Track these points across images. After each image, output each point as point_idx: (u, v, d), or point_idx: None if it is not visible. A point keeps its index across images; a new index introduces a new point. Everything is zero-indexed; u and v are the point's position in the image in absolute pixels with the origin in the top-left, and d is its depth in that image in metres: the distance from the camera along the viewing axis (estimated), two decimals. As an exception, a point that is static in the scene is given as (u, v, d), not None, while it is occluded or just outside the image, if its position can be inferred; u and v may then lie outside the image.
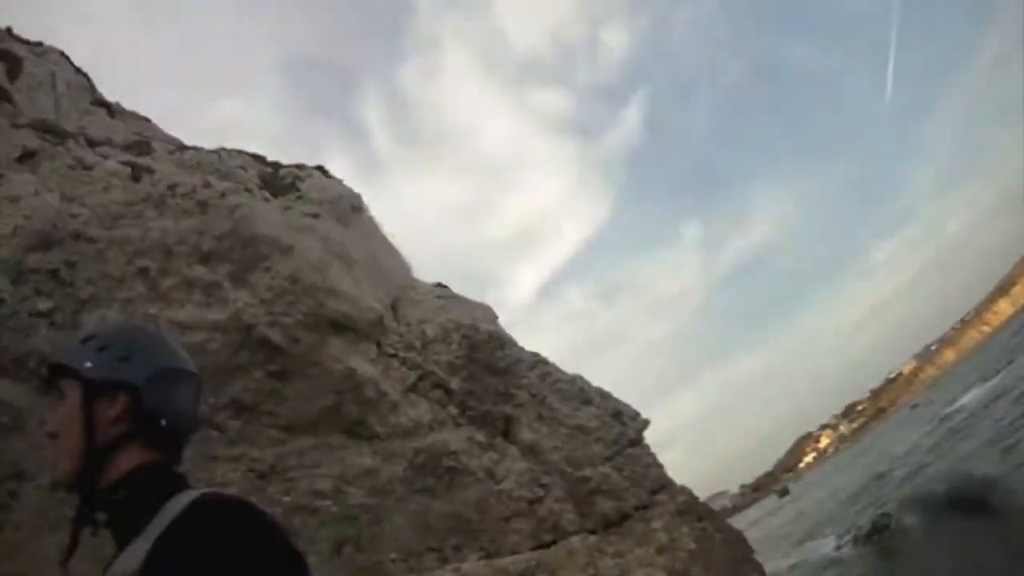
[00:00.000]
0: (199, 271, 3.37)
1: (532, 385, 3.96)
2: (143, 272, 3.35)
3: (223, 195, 3.75)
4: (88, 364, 1.00)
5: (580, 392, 4.24)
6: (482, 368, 3.84)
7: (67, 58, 4.82)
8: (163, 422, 1.00)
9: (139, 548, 0.85)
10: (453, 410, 3.69)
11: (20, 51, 4.36)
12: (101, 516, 0.95)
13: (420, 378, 3.73)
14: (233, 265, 3.43)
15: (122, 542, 0.90)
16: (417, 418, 3.56)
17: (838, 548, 11.47)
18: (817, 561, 11.67)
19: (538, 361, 4.22)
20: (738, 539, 3.99)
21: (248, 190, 4.03)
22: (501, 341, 4.01)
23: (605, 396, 4.36)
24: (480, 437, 3.63)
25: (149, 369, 1.01)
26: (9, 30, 4.56)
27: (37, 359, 2.99)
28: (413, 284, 4.42)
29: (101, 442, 0.97)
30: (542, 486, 3.57)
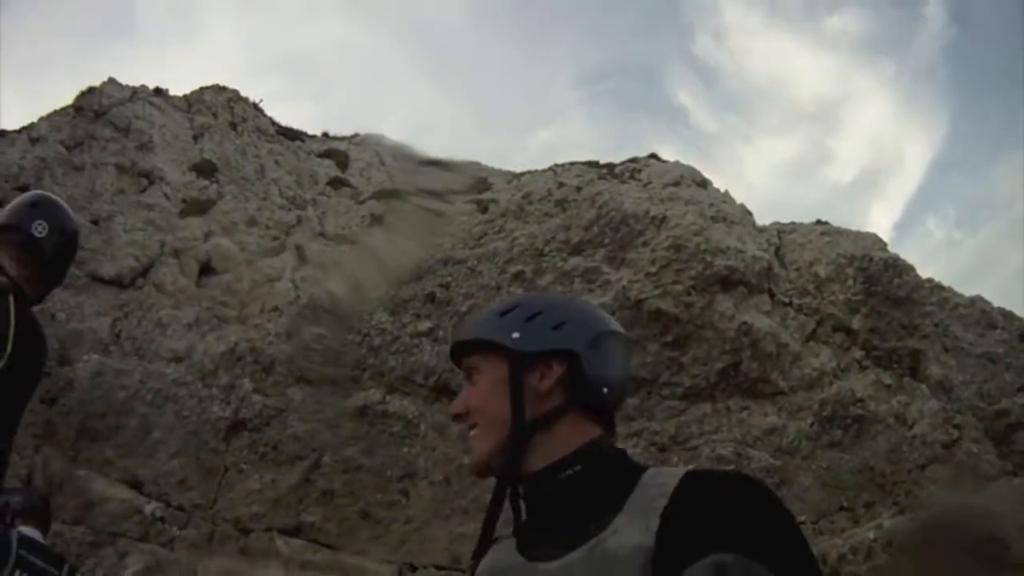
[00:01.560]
0: (574, 262, 3.57)
1: (934, 313, 3.72)
2: (518, 276, 3.58)
3: (579, 188, 3.95)
4: (516, 335, 0.93)
5: (982, 315, 3.92)
6: (883, 301, 3.62)
7: (385, 137, 5.56)
8: (604, 390, 0.93)
9: (631, 525, 0.77)
10: (857, 353, 3.53)
11: (342, 146, 5.26)
12: (532, 499, 0.89)
13: (819, 323, 3.62)
14: (607, 248, 3.60)
15: (564, 525, 0.83)
16: (820, 367, 3.43)
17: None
18: None
19: (935, 286, 3.95)
20: None
21: (602, 179, 4.21)
22: (898, 268, 3.75)
23: (1009, 317, 3.99)
24: (887, 379, 3.47)
25: (588, 333, 0.94)
26: (325, 134, 5.45)
27: (423, 373, 3.40)
28: (793, 227, 4.30)
29: (532, 418, 0.90)
30: (956, 427, 3.36)
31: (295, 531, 3.45)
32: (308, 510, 3.37)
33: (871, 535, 2.91)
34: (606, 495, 0.82)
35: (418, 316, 3.55)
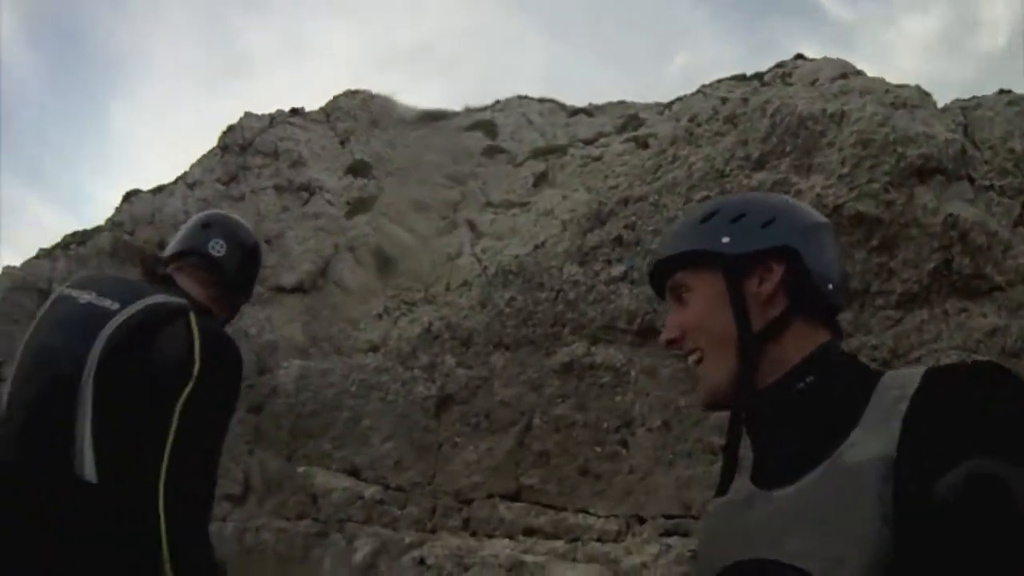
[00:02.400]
0: (759, 177, 3.46)
1: None
2: (704, 202, 3.71)
3: (745, 100, 3.84)
4: (725, 239, 0.86)
5: None
6: None
7: (527, 97, 5.63)
8: (829, 287, 0.86)
9: (870, 435, 0.70)
10: None
11: (486, 116, 5.42)
12: (762, 419, 0.82)
13: None
14: (791, 156, 3.47)
15: (798, 444, 0.77)
16: None
17: None
18: None
19: None
20: None
21: (765, 86, 4.09)
22: None
23: None
24: None
25: (801, 226, 0.87)
26: (467, 107, 5.72)
27: (625, 318, 3.37)
28: (976, 102, 4.02)
29: (759, 329, 0.83)
30: None
31: (515, 495, 3.55)
32: (527, 473, 3.46)
33: None
34: (842, 406, 0.75)
35: (609, 262, 3.52)
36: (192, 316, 1.50)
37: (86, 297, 1.55)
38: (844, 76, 4.20)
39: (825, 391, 0.79)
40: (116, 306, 1.50)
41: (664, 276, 0.92)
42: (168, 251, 1.76)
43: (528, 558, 3.50)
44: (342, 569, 4.36)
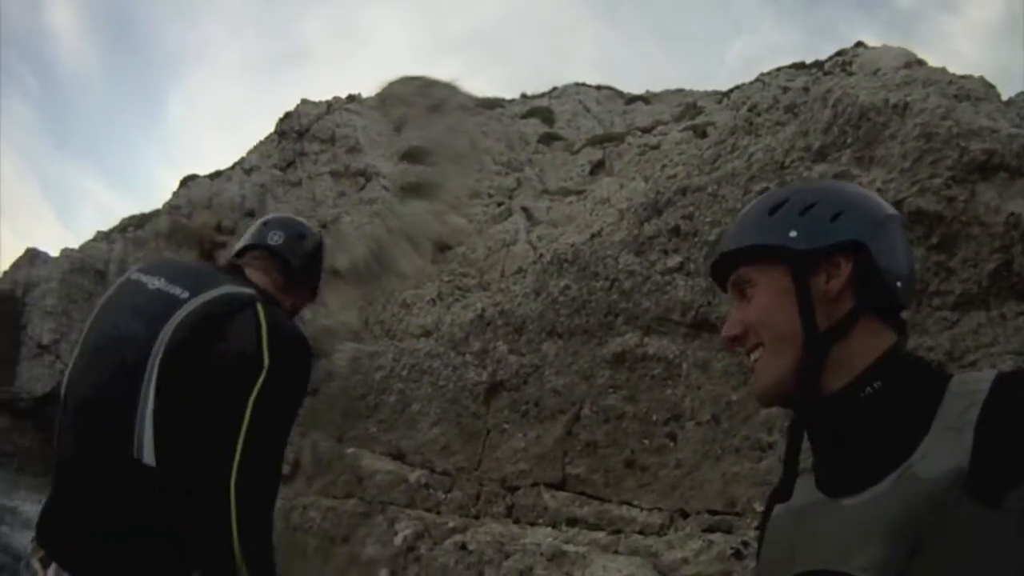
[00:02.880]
0: (820, 168, 3.45)
1: None
2: (763, 193, 3.79)
3: (806, 89, 3.83)
4: (793, 233, 0.84)
5: None
6: None
7: (584, 84, 5.81)
8: (898, 284, 0.84)
9: (942, 445, 0.70)
10: None
11: (543, 103, 5.53)
12: (830, 425, 0.81)
13: None
14: (853, 148, 3.44)
15: (867, 452, 0.76)
16: None
17: None
18: None
19: None
20: None
21: (827, 75, 4.02)
22: None
23: None
24: None
25: (871, 219, 0.85)
26: (524, 95, 5.81)
27: (679, 310, 3.38)
28: None
29: (825, 328, 0.82)
30: None
31: (560, 484, 3.59)
32: (572, 463, 3.49)
33: None
34: (912, 413, 0.74)
35: (665, 252, 3.51)
36: (260, 306, 1.52)
37: (155, 283, 1.57)
38: (907, 66, 4.08)
39: (893, 397, 0.78)
40: (186, 294, 1.52)
41: (728, 270, 0.91)
42: (234, 250, 1.85)
43: (569, 548, 3.53)
44: (383, 550, 4.48)
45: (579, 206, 4.00)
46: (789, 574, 0.79)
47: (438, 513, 4.25)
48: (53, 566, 1.48)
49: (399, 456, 4.49)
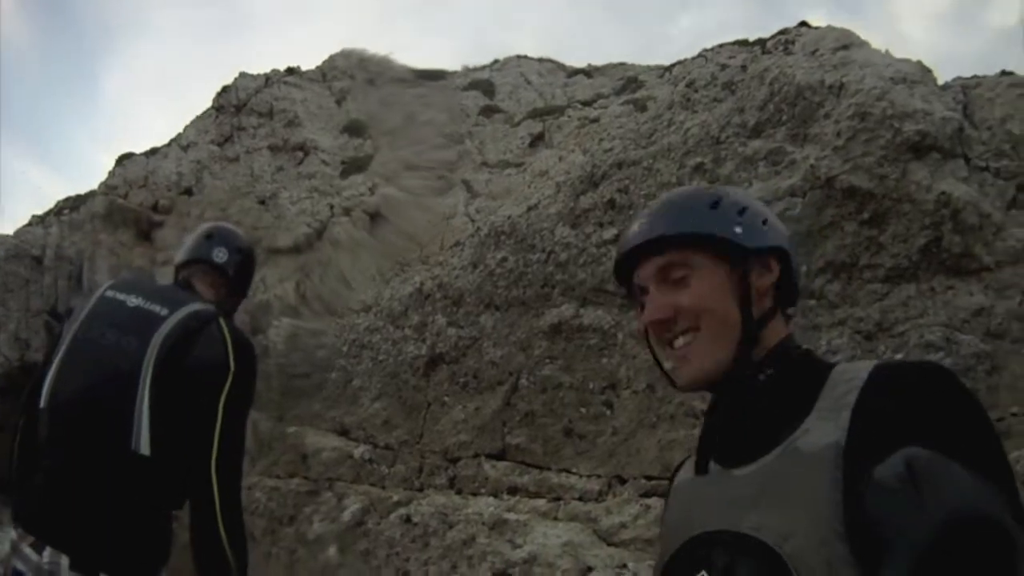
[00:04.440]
0: (755, 145, 3.59)
1: None
2: (698, 168, 3.67)
3: (744, 67, 3.96)
4: (738, 230, 0.95)
5: None
6: None
7: (526, 57, 5.79)
8: (799, 287, 1.03)
9: (822, 423, 0.82)
10: None
11: (484, 75, 5.54)
12: (730, 404, 0.94)
13: (1019, 188, 3.55)
14: (788, 126, 3.59)
15: (758, 429, 0.88)
16: None
17: None
18: None
19: None
20: None
21: (766, 53, 4.20)
22: None
23: None
24: None
25: (785, 231, 1.01)
26: (466, 67, 5.83)
27: (614, 282, 3.64)
28: (977, 81, 4.18)
29: (756, 319, 0.93)
30: None
31: (501, 454, 3.76)
32: (512, 432, 3.66)
33: None
34: (798, 396, 0.86)
35: (600, 224, 3.67)
36: (222, 321, 1.93)
37: (134, 301, 1.94)
38: (846, 47, 4.25)
39: (784, 382, 0.91)
40: (165, 311, 1.90)
41: (651, 253, 0.98)
42: (179, 259, 2.23)
43: (511, 516, 3.71)
44: (331, 527, 4.59)
45: (518, 179, 4.13)
46: (687, 536, 0.90)
47: (383, 487, 4.38)
48: (48, 550, 1.74)
49: (343, 432, 4.60)
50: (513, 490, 3.75)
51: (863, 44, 4.67)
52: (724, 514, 0.87)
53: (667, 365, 1.00)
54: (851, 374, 0.85)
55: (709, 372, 0.94)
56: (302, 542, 4.80)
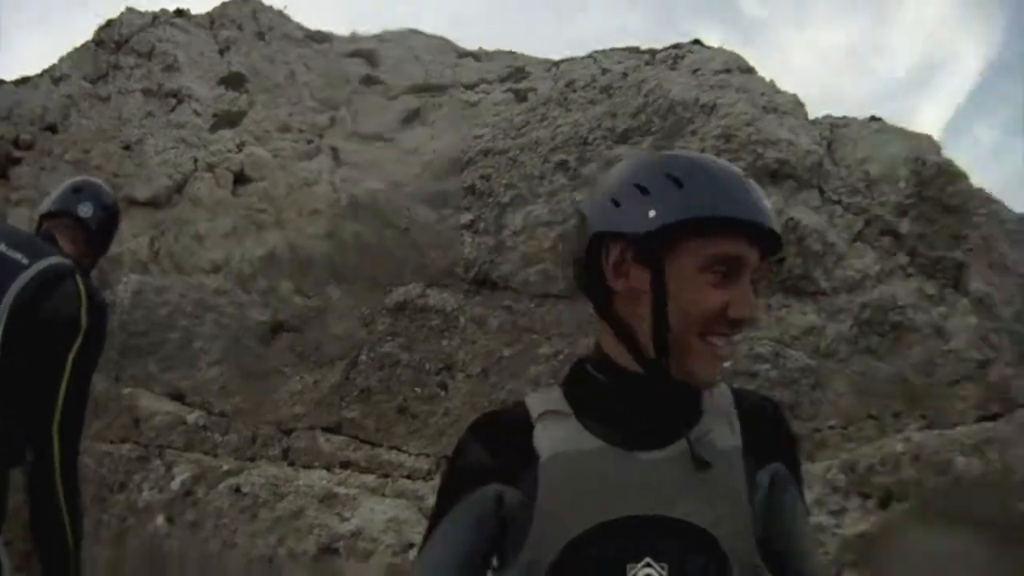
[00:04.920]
0: (620, 150, 3.69)
1: (983, 225, 3.82)
2: (561, 165, 3.73)
3: (624, 75, 4.08)
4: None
5: None
6: (933, 206, 3.75)
7: (418, 31, 5.66)
8: None
9: (720, 426, 0.96)
10: (902, 259, 3.66)
11: (371, 44, 5.42)
12: (642, 393, 0.97)
13: (867, 224, 3.75)
14: (654, 137, 3.73)
15: (661, 419, 0.94)
16: (864, 269, 3.57)
17: None
18: None
19: (987, 198, 4.04)
20: None
21: (648, 64, 4.35)
22: (951, 174, 3.86)
23: None
24: (929, 289, 3.59)
25: None
26: (354, 33, 5.69)
27: (464, 266, 3.62)
28: (845, 121, 4.47)
29: None
30: (992, 346, 3.48)
31: (336, 428, 3.74)
32: (348, 407, 3.65)
33: (899, 447, 3.03)
34: (691, 394, 0.95)
35: (459, 209, 3.73)
36: (78, 276, 1.93)
37: None
38: (729, 71, 4.47)
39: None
40: (26, 260, 1.88)
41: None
42: (43, 209, 2.20)
43: (341, 490, 3.70)
44: (160, 495, 4.42)
45: (387, 153, 4.10)
46: (604, 518, 0.88)
47: (215, 456, 4.25)
48: None
49: (178, 396, 4.43)
50: (346, 464, 3.73)
51: (749, 71, 4.93)
52: (650, 498, 0.89)
53: (690, 357, 0.92)
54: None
55: None
56: (132, 510, 4.59)
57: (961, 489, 2.87)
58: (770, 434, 0.99)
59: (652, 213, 0.87)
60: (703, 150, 3.70)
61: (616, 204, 0.91)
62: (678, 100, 3.98)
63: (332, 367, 3.69)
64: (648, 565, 0.85)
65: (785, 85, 4.56)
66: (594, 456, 0.91)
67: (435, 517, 0.97)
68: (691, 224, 0.87)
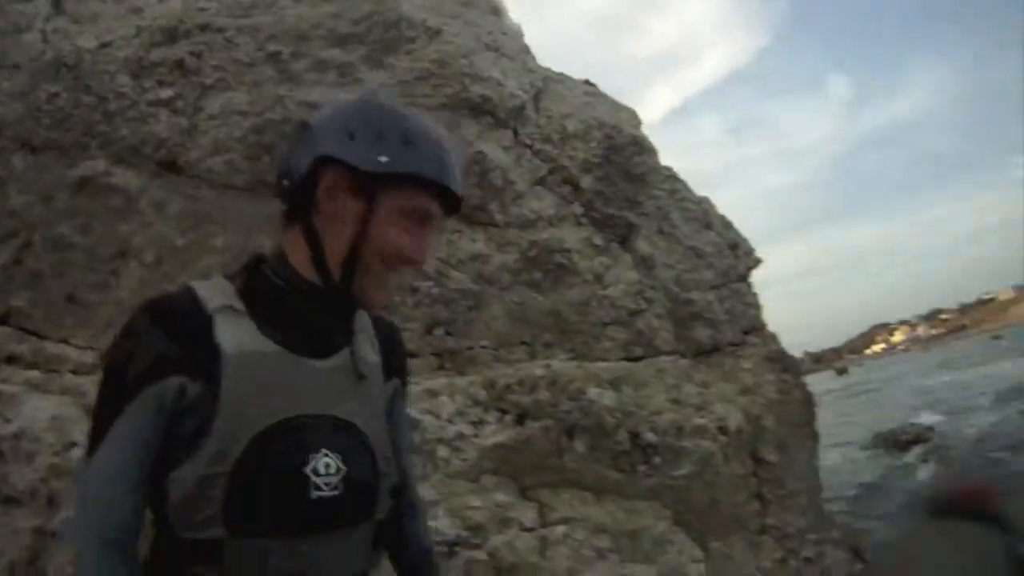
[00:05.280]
0: (333, 53, 3.62)
1: (660, 198, 4.13)
2: (274, 56, 3.59)
3: None
4: None
5: (704, 215, 4.39)
6: (617, 171, 4.00)
7: None
8: None
9: (366, 344, 1.14)
10: (577, 208, 3.87)
11: None
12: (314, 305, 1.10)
13: (551, 171, 3.93)
14: (370, 47, 3.68)
15: (325, 331, 1.09)
16: (539, 211, 3.74)
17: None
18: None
19: (670, 176, 4.36)
20: (809, 400, 4.08)
21: None
22: (641, 147, 4.13)
23: (727, 225, 4.50)
24: (597, 240, 3.83)
25: None
26: None
27: (154, 144, 3.35)
28: (561, 78, 4.60)
29: None
30: (646, 299, 3.75)
31: (3, 319, 3.36)
32: (17, 294, 3.26)
33: (538, 371, 3.19)
34: (352, 314, 1.12)
35: (161, 83, 3.39)
36: None
37: None
38: (468, 4, 4.39)
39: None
40: None
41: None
42: None
43: (4, 388, 3.33)
44: None
45: (112, 8, 3.64)
46: (283, 416, 0.98)
47: None
48: None
49: None
50: (12, 359, 3.36)
51: (497, 11, 4.78)
52: (318, 400, 1.03)
53: (370, 282, 1.06)
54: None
55: None
56: None
57: (591, 415, 3.07)
58: (395, 355, 1.21)
59: (384, 159, 1.01)
60: (411, 70, 3.73)
61: (351, 137, 1.02)
62: (405, 17, 3.84)
63: (3, 247, 3.27)
64: (326, 455, 1.00)
65: (535, 38, 4.39)
66: (274, 359, 1.01)
67: (106, 412, 0.97)
68: (407, 177, 1.02)
